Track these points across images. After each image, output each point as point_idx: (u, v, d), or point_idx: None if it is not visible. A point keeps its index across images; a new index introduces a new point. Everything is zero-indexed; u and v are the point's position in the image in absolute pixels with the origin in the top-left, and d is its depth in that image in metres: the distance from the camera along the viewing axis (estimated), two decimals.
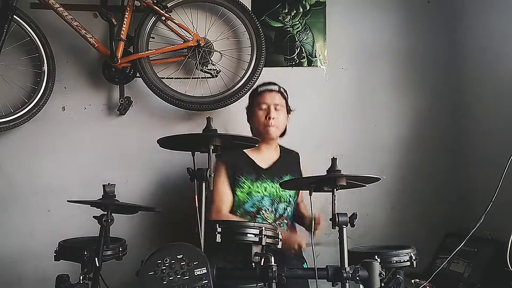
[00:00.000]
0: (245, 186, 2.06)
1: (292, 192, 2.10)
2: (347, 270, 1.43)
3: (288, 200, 2.09)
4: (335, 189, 1.50)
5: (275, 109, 2.12)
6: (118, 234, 1.88)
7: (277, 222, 2.06)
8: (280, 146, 2.23)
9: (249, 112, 2.22)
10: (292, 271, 1.47)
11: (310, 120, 2.60)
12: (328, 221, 1.51)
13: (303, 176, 2.15)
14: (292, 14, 2.64)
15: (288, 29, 2.64)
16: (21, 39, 2.35)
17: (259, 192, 2.06)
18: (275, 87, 2.16)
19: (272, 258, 1.44)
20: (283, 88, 2.19)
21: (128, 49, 2.39)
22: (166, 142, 1.64)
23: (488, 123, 2.38)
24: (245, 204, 2.06)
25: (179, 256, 1.33)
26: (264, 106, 2.13)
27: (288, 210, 2.10)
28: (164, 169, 2.51)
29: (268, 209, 2.06)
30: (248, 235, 1.48)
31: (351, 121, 2.62)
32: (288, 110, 2.20)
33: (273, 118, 2.09)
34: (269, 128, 2.10)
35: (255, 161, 2.12)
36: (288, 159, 2.19)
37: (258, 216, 2.04)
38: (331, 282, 1.47)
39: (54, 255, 1.74)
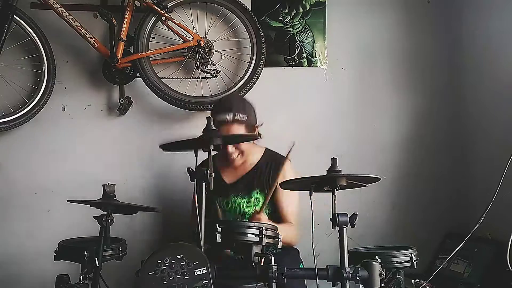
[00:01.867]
0: (218, 202, 2.02)
1: (259, 206, 1.98)
2: (347, 270, 1.43)
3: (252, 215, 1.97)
4: (335, 189, 1.50)
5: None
6: (118, 234, 1.88)
7: None
8: (267, 150, 2.11)
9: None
10: (292, 271, 1.47)
11: (310, 120, 2.60)
12: None
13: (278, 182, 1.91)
14: (292, 14, 2.64)
15: (288, 29, 2.64)
16: (21, 39, 2.35)
17: (220, 208, 2.02)
18: (229, 117, 1.91)
19: (272, 258, 1.44)
20: (240, 112, 1.94)
21: (128, 49, 2.39)
22: (168, 147, 1.63)
23: (488, 123, 2.37)
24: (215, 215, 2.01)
25: (179, 256, 1.33)
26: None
27: None
28: (164, 169, 2.51)
29: None
30: (248, 235, 1.49)
31: (351, 121, 2.61)
32: (252, 130, 1.98)
33: (231, 152, 1.96)
34: (232, 160, 1.99)
35: (222, 175, 2.05)
36: (264, 169, 2.03)
37: None
38: (331, 282, 1.47)
39: (54, 255, 1.75)
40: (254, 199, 2.01)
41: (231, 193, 2.03)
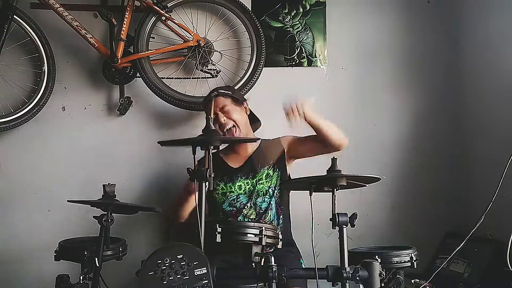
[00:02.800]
0: (219, 188, 2.07)
1: (271, 182, 2.06)
2: (347, 270, 1.43)
3: (267, 192, 2.05)
4: (335, 189, 1.50)
5: (223, 111, 2.06)
6: (118, 234, 1.88)
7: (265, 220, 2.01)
8: (262, 140, 2.17)
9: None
10: (292, 271, 1.47)
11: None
12: None
13: (291, 147, 2.11)
14: (292, 14, 2.64)
15: (288, 29, 2.64)
16: (21, 39, 2.35)
17: (233, 192, 2.07)
18: (213, 94, 2.10)
19: (272, 258, 1.44)
20: (223, 89, 2.14)
21: (128, 49, 2.39)
22: (167, 144, 1.64)
23: (488, 123, 2.37)
24: (222, 205, 2.07)
25: (179, 256, 1.33)
26: (212, 116, 2.06)
27: (270, 202, 2.04)
28: (164, 169, 2.51)
29: (246, 206, 2.04)
30: (248, 235, 1.48)
31: (351, 121, 2.61)
32: (238, 102, 2.13)
33: (224, 122, 2.05)
34: (229, 133, 2.06)
35: (227, 162, 2.13)
36: (265, 151, 2.12)
37: (239, 214, 2.03)
38: (331, 282, 1.47)
39: (54, 255, 1.75)
40: (266, 175, 2.07)
41: (242, 175, 2.08)
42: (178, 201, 2.13)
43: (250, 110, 2.21)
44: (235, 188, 2.07)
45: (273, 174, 2.08)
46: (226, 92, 2.12)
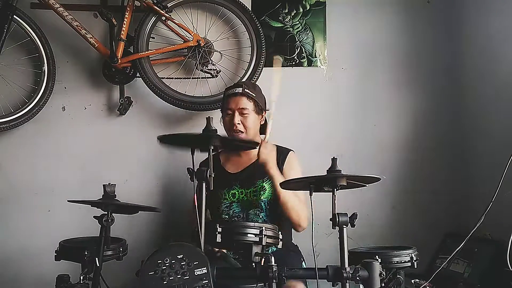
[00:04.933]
0: (213, 193, 1.96)
1: (264, 196, 1.99)
2: (347, 270, 1.43)
3: (259, 205, 1.99)
4: (335, 189, 1.50)
5: (241, 113, 2.01)
6: (118, 234, 1.88)
7: None
8: (277, 146, 2.12)
9: (222, 115, 2.12)
10: (292, 271, 1.47)
11: (310, 120, 2.60)
12: None
13: (284, 175, 2.00)
14: (292, 14, 2.64)
15: (288, 29, 2.64)
16: (21, 39, 2.36)
17: (226, 199, 2.02)
18: (239, 90, 2.02)
19: (272, 258, 1.44)
20: (250, 89, 2.04)
21: (128, 49, 2.40)
22: (166, 140, 1.63)
23: (488, 122, 2.37)
24: (217, 211, 2.03)
25: (179, 256, 1.33)
26: (229, 112, 2.03)
27: (261, 216, 1.99)
28: (164, 169, 2.51)
29: (239, 215, 2.00)
30: (248, 235, 1.49)
31: (351, 121, 2.61)
32: (260, 111, 2.06)
33: (238, 124, 2.00)
34: (236, 134, 2.01)
35: (224, 166, 2.08)
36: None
37: None
38: (331, 282, 1.47)
39: (55, 255, 1.75)
40: (260, 188, 2.01)
41: (235, 183, 2.03)
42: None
43: (265, 120, 2.12)
44: (228, 195, 2.02)
45: (267, 187, 2.00)
46: (252, 94, 2.03)
